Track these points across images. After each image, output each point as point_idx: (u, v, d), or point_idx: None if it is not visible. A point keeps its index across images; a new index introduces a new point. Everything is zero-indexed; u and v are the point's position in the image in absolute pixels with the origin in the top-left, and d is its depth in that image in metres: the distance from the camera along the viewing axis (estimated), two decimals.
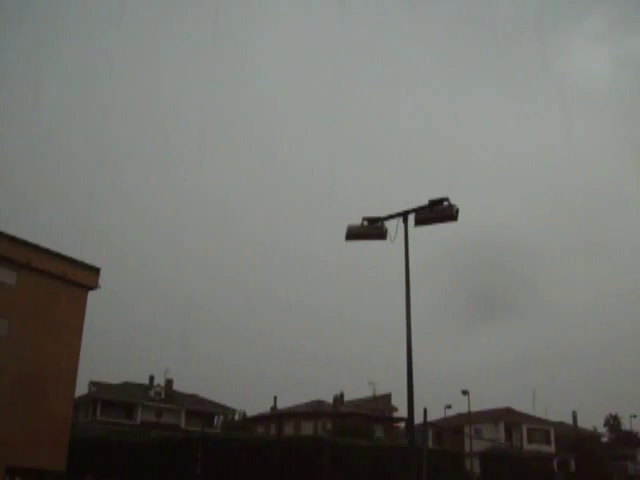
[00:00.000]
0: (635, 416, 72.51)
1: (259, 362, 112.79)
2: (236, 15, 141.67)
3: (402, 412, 67.90)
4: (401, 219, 14.19)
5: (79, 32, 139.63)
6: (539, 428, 73.70)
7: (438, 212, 13.74)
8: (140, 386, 73.81)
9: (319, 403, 68.59)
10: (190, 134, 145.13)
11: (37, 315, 39.75)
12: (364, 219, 14.48)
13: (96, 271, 44.25)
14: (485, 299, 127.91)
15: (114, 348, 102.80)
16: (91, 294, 44.17)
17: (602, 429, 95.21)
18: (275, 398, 75.22)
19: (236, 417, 79.72)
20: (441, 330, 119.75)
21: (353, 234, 14.60)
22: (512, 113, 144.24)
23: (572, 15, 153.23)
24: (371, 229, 14.45)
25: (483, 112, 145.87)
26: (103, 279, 44.56)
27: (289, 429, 61.87)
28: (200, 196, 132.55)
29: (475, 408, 56.24)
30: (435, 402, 64.46)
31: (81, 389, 62.52)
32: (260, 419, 71.87)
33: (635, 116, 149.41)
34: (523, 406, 76.54)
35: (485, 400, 69.25)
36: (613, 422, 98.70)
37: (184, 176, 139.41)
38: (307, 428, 62.26)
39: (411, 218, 14.10)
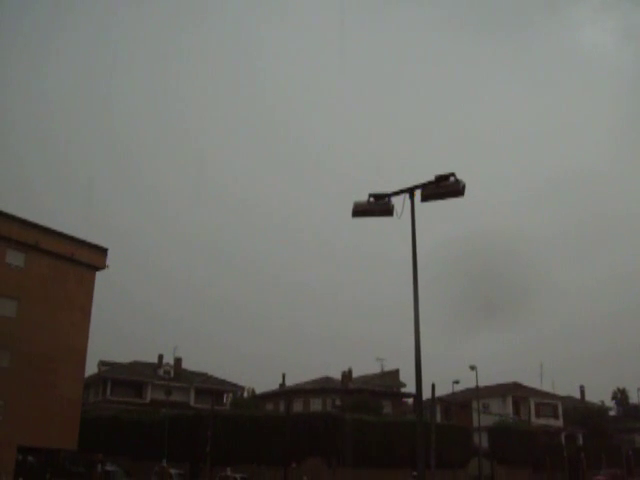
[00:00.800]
0: None
1: (268, 340, 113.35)
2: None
3: (410, 388, 68.23)
4: (407, 195, 14.13)
5: (84, 25, 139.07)
6: (547, 402, 73.87)
7: (445, 187, 13.64)
8: (149, 365, 74.23)
9: (327, 380, 68.86)
10: (194, 114, 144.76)
11: (46, 296, 39.97)
12: (370, 195, 14.42)
13: (104, 251, 44.39)
14: (493, 284, 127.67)
15: (123, 328, 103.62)
16: (100, 275, 44.36)
17: (610, 403, 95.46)
18: (284, 375, 75.63)
19: (245, 394, 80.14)
20: (450, 314, 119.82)
21: (359, 211, 14.53)
22: (517, 94, 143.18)
23: None
24: (377, 205, 14.38)
25: (487, 95, 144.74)
26: (112, 260, 44.75)
27: (298, 406, 62.21)
28: (207, 178, 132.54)
29: (483, 384, 56.39)
30: (443, 378, 64.67)
31: (91, 369, 63.07)
32: (269, 396, 72.26)
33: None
34: (531, 381, 76.77)
35: (493, 376, 69.26)
36: (620, 396, 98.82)
37: (190, 159, 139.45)
38: (316, 405, 62.59)
39: (418, 194, 14.04)
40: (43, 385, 38.52)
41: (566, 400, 78.54)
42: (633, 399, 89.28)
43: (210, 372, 76.81)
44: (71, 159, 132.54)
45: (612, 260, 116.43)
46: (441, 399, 61.30)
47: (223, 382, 75.83)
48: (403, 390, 72.30)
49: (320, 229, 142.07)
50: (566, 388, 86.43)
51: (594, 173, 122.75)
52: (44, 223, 41.05)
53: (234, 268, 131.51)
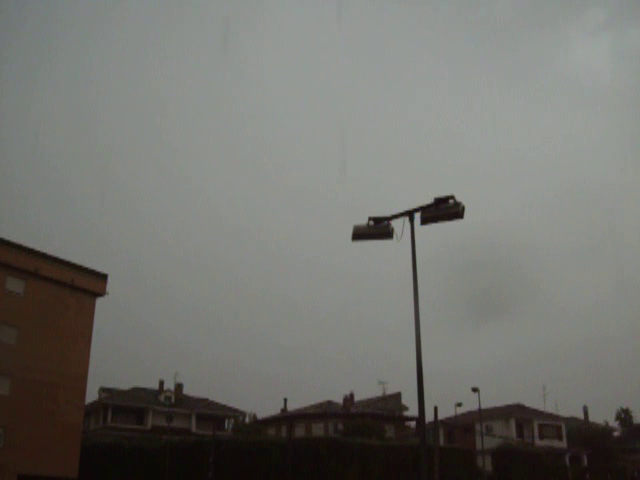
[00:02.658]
0: None
1: (269, 365, 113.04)
2: (235, 15, 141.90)
3: (412, 411, 67.92)
4: (407, 218, 14.18)
5: (77, 36, 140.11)
6: (550, 424, 73.48)
7: (444, 210, 13.71)
8: (150, 391, 73.91)
9: (329, 404, 68.54)
10: (194, 137, 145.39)
11: (46, 323, 39.88)
12: (370, 219, 14.46)
13: (103, 277, 44.34)
14: (492, 297, 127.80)
15: (123, 354, 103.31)
16: (100, 301, 44.28)
17: (614, 423, 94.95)
18: (285, 400, 75.25)
19: (247, 420, 79.71)
20: (449, 329, 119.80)
21: (359, 234, 14.58)
22: (515, 111, 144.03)
23: (572, 9, 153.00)
24: (377, 229, 14.44)
25: (486, 111, 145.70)
26: (111, 286, 44.68)
27: (300, 431, 61.83)
28: (206, 201, 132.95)
29: (485, 405, 56.14)
30: (445, 400, 64.51)
31: (91, 395, 62.76)
32: (271, 421, 71.85)
33: (636, 110, 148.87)
34: (534, 402, 76.47)
35: (495, 397, 69.11)
36: (625, 416, 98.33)
37: (189, 181, 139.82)
38: (318, 429, 62.22)
39: (417, 217, 14.09)
40: (43, 412, 38.34)
41: (570, 421, 78.14)
42: (637, 419, 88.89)
43: (211, 397, 76.56)
44: (68, 184, 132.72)
45: (617, 276, 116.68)
46: (444, 422, 60.95)
47: (224, 407, 75.46)
48: (405, 413, 71.90)
49: (321, 251, 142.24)
50: (569, 409, 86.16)
51: (588, 189, 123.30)
52: (44, 249, 41.10)
53: (234, 291, 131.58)
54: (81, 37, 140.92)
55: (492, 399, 65.49)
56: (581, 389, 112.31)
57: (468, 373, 79.50)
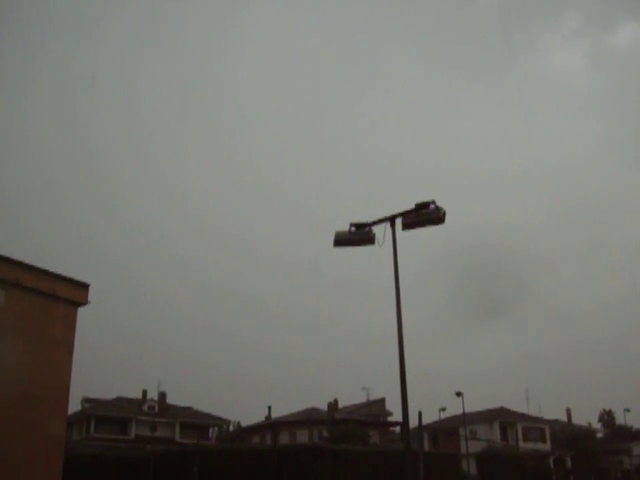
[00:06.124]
0: (629, 410, 72.87)
1: (253, 372, 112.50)
2: (215, 15, 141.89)
3: (397, 416, 67.90)
4: (388, 224, 14.25)
5: (59, 52, 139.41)
6: (534, 426, 73.83)
7: (425, 215, 13.81)
8: (133, 401, 73.44)
9: (313, 410, 68.47)
10: (178, 141, 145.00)
11: (27, 333, 39.46)
12: (351, 225, 14.50)
13: (85, 287, 43.92)
14: (478, 302, 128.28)
15: (106, 364, 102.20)
16: (81, 310, 43.92)
17: (597, 425, 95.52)
18: (269, 407, 75.10)
19: (231, 428, 79.43)
20: (437, 333, 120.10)
21: (341, 240, 14.63)
22: (501, 114, 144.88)
23: (547, 12, 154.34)
24: (359, 235, 14.49)
25: (475, 114, 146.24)
26: (92, 294, 44.35)
27: (284, 438, 61.70)
28: (188, 206, 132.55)
29: (469, 410, 56.32)
30: (429, 405, 64.46)
31: (74, 406, 62.20)
32: (255, 429, 71.66)
33: (612, 113, 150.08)
34: (517, 406, 76.78)
35: (479, 402, 69.25)
36: (607, 417, 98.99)
37: (171, 187, 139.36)
38: (302, 436, 62.11)
39: (399, 223, 14.15)
40: (25, 424, 37.85)
41: (553, 423, 78.56)
42: (620, 420, 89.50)
43: (195, 405, 76.21)
44: (52, 190, 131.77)
45: (601, 288, 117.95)
46: (428, 426, 61.04)
47: (208, 416, 75.13)
48: (390, 419, 72.00)
49: (302, 256, 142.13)
50: (553, 411, 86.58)
51: (585, 194, 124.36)
52: (23, 258, 40.72)
53: (218, 297, 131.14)
54: (80, 37, 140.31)
55: (476, 404, 65.79)
56: (564, 392, 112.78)
57: (453, 379, 79.67)
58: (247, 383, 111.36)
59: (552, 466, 66.74)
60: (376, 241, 14.37)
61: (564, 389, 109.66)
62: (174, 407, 74.37)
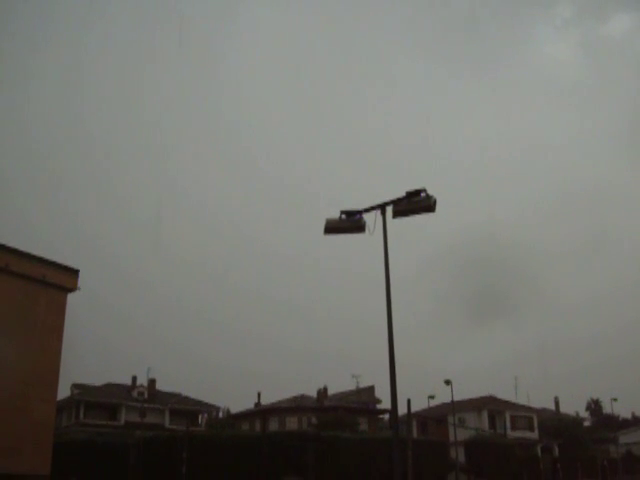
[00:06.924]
0: (616, 399, 73.25)
1: (242, 358, 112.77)
2: (215, 14, 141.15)
3: (386, 404, 68.10)
4: (379, 211, 14.20)
5: (63, 42, 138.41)
6: (522, 415, 74.21)
7: (416, 203, 13.75)
8: (123, 387, 73.38)
9: (303, 398, 68.57)
10: (175, 134, 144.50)
11: (16, 319, 39.30)
12: (342, 212, 14.46)
13: (75, 273, 43.77)
14: (475, 297, 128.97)
15: (95, 349, 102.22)
16: (71, 296, 43.76)
17: (584, 414, 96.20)
18: (259, 394, 75.25)
19: (220, 414, 79.50)
20: (434, 325, 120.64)
21: (332, 228, 14.58)
22: (498, 108, 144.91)
23: (540, 3, 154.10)
24: (349, 222, 14.44)
25: (471, 108, 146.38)
26: (83, 279, 44.21)
27: (274, 425, 61.83)
28: (182, 194, 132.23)
29: (458, 398, 56.54)
30: (420, 394, 64.80)
31: (63, 392, 62.09)
32: (244, 416, 71.74)
33: (604, 104, 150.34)
34: (506, 394, 77.18)
35: (469, 391, 69.63)
36: (594, 406, 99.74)
37: (167, 174, 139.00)
38: (292, 423, 62.26)
39: (389, 210, 14.11)
40: (14, 410, 37.79)
41: (541, 412, 79.05)
42: (607, 409, 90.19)
43: (185, 392, 76.17)
44: (46, 174, 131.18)
45: (593, 284, 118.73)
46: (417, 414, 61.31)
47: (198, 403, 75.17)
48: (379, 406, 72.22)
49: (294, 244, 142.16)
50: (541, 400, 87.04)
51: (584, 189, 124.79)
52: (12, 242, 40.49)
53: (209, 285, 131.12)
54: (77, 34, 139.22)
55: (466, 393, 66.15)
56: (552, 382, 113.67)
57: (445, 369, 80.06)
58: (237, 370, 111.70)
59: (540, 454, 67.19)
60: (367, 229, 14.31)
61: (553, 380, 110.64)
62: (164, 393, 74.36)
